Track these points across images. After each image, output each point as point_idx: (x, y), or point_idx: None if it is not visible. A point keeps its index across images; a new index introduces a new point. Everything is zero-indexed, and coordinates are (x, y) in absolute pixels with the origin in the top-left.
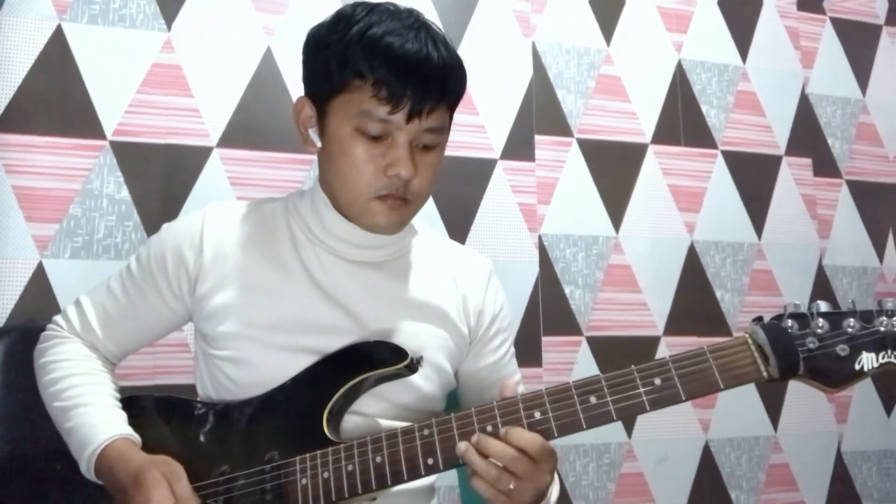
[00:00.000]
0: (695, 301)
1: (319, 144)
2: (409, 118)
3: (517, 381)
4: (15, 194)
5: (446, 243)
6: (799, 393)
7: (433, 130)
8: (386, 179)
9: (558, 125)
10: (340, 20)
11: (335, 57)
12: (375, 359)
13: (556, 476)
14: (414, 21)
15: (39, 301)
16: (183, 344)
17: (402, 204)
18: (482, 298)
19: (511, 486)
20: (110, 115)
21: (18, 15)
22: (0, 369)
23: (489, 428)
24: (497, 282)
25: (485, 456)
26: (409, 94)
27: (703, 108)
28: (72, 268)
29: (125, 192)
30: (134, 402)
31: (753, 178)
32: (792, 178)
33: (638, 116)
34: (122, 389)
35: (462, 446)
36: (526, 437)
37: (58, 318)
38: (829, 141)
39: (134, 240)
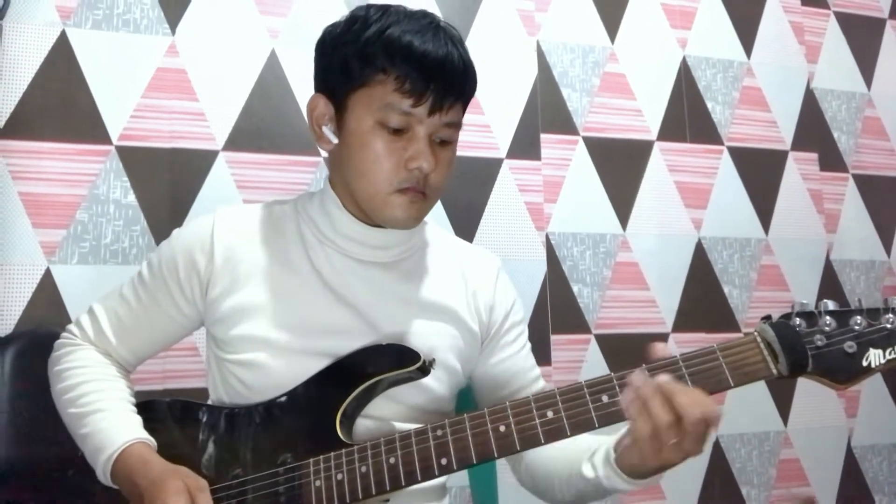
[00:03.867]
0: (703, 297)
1: (335, 141)
2: (432, 111)
3: (537, 375)
4: (21, 200)
5: (454, 241)
6: (808, 388)
7: (451, 125)
8: (406, 173)
9: (564, 123)
10: (356, 21)
11: (355, 54)
12: (388, 361)
13: None
14: (430, 22)
15: (47, 307)
16: (192, 348)
17: (422, 198)
18: (492, 294)
19: (672, 441)
20: (116, 120)
21: (23, 21)
22: (9, 375)
23: (502, 428)
24: (506, 277)
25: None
26: (432, 87)
27: (709, 105)
28: (79, 273)
29: (132, 197)
30: (148, 407)
31: (760, 174)
32: (798, 173)
33: (643, 114)
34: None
35: (664, 377)
36: (706, 400)
37: (71, 326)
38: (835, 135)
39: (141, 244)
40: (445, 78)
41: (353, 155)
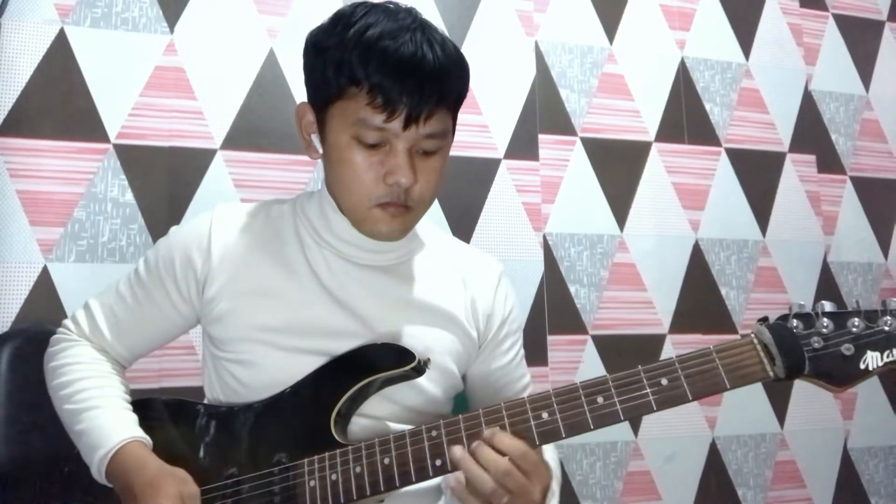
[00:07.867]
0: (700, 299)
1: (321, 151)
2: (406, 125)
3: (525, 384)
4: (19, 198)
5: (455, 245)
6: (805, 389)
7: (433, 136)
8: (386, 187)
9: (562, 124)
10: (338, 22)
11: (332, 62)
12: (383, 361)
13: (556, 494)
14: (411, 21)
15: (44, 305)
16: (189, 347)
17: (404, 211)
18: (491, 301)
19: (504, 501)
20: (114, 119)
21: (21, 19)
22: (6, 373)
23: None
24: (507, 284)
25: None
26: (405, 100)
27: (707, 106)
28: (77, 272)
29: (129, 196)
30: (143, 405)
31: (757, 176)
32: (796, 175)
33: (641, 115)
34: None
35: (457, 452)
36: (507, 443)
37: (67, 321)
38: (833, 137)
39: (138, 243)
40: (420, 86)
41: (333, 168)
